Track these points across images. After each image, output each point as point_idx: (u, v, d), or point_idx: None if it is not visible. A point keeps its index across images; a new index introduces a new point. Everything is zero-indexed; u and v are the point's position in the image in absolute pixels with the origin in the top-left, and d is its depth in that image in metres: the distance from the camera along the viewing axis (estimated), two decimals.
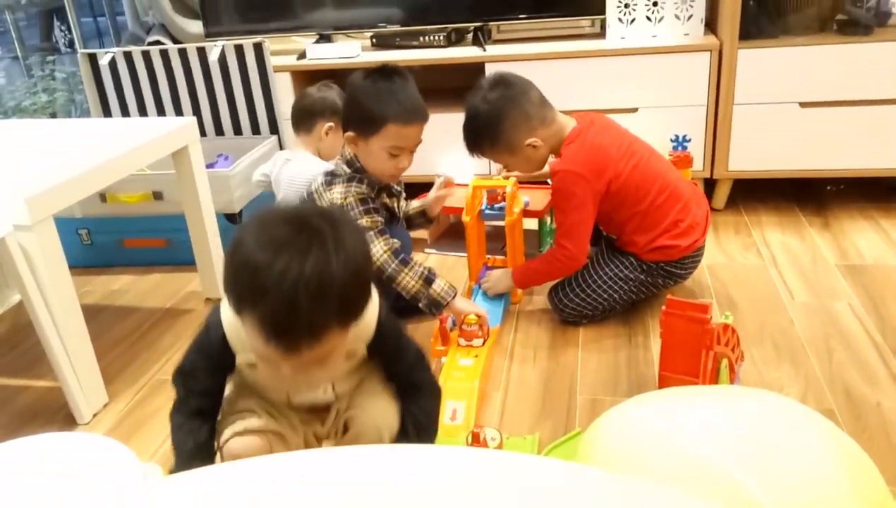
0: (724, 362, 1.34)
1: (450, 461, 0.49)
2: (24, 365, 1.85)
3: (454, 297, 1.66)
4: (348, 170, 1.67)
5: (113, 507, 0.62)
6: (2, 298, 2.15)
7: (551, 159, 1.82)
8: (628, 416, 0.70)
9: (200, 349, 1.11)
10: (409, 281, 1.63)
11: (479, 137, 1.76)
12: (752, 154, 2.29)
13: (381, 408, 1.15)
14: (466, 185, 2.00)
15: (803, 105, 2.20)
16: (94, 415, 1.61)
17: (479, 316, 1.65)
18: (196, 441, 1.11)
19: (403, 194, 1.89)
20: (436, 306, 1.65)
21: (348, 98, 1.66)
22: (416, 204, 1.92)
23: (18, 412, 1.67)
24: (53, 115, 2.79)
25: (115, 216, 2.29)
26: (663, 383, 1.37)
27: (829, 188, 2.51)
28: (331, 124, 2.03)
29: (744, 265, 2.05)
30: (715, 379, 1.32)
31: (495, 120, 1.71)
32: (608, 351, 1.70)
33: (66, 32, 2.93)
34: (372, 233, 1.62)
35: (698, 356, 1.29)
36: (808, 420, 0.68)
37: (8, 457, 0.85)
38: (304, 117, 2.09)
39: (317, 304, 0.86)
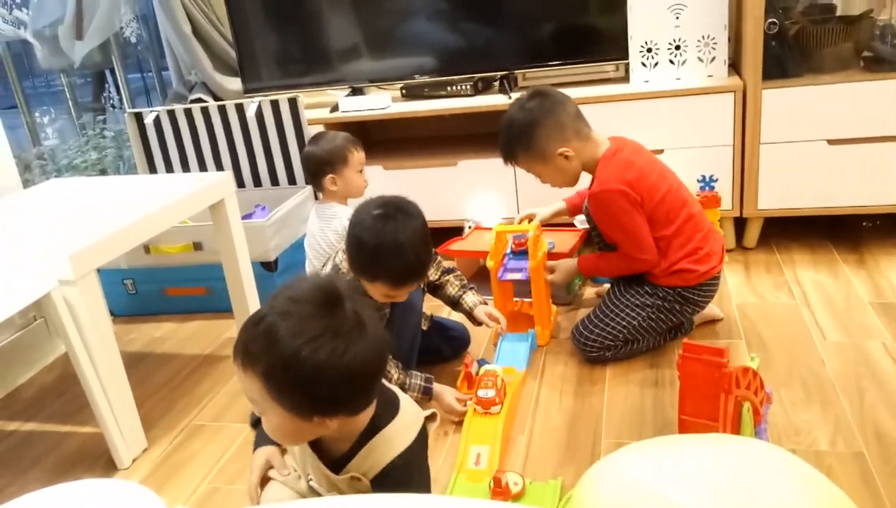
0: (747, 405, 1.34)
1: None
2: (70, 411, 1.94)
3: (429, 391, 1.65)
4: (351, 273, 1.60)
5: None
6: (51, 347, 2.25)
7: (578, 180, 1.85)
8: (617, 465, 0.71)
9: None
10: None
11: (514, 144, 1.80)
12: (782, 192, 2.29)
13: None
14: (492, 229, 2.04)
15: (831, 142, 2.19)
16: (134, 461, 1.68)
17: (496, 376, 1.62)
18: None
19: (453, 274, 1.85)
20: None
21: (351, 233, 1.54)
22: (472, 302, 1.82)
23: (64, 457, 1.75)
24: (103, 172, 2.94)
25: (157, 266, 2.40)
26: (683, 428, 1.37)
27: (864, 224, 2.48)
28: (330, 176, 2.08)
29: (775, 304, 2.03)
30: (736, 423, 1.32)
31: (530, 126, 1.76)
32: (634, 394, 1.70)
33: (116, 92, 3.10)
34: None
35: (717, 400, 1.29)
36: (793, 469, 0.68)
37: (43, 503, 0.91)
38: (310, 180, 2.18)
39: (248, 331, 0.95)
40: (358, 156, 2.10)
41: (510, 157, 1.84)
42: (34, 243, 1.67)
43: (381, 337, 0.99)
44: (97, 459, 1.70)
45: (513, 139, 1.80)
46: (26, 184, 2.32)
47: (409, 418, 1.11)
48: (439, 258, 1.86)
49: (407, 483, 1.08)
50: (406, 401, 1.14)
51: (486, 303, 1.84)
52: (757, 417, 1.39)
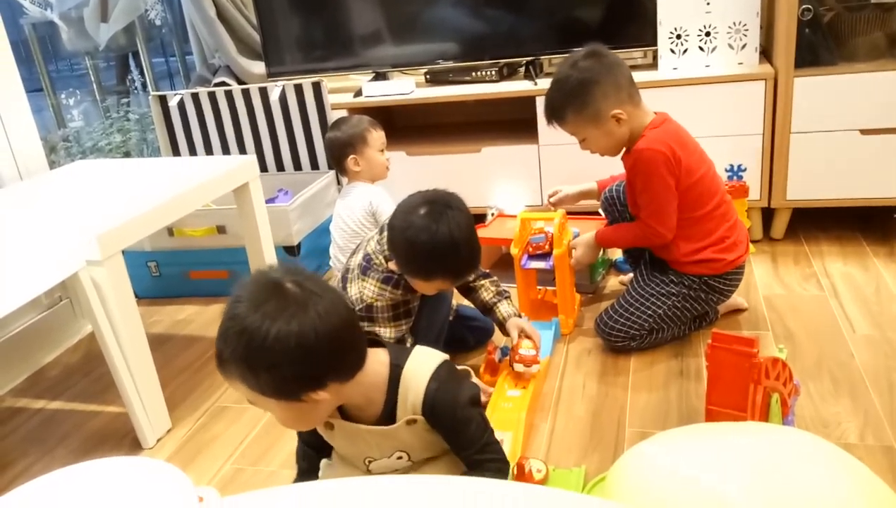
0: (775, 397, 1.32)
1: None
2: (95, 391, 1.96)
3: None
4: (385, 265, 1.59)
5: None
6: (76, 328, 2.28)
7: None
8: (650, 453, 0.70)
9: None
10: None
11: (566, 102, 1.71)
12: (812, 182, 2.25)
13: None
14: (516, 216, 2.02)
15: (864, 132, 2.15)
16: (158, 440, 1.69)
17: (534, 342, 1.66)
18: (301, 470, 1.32)
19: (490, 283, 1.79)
20: None
21: (401, 236, 1.50)
22: (506, 312, 1.74)
23: (89, 436, 1.76)
24: (127, 154, 2.95)
25: (181, 249, 2.41)
26: (710, 417, 1.35)
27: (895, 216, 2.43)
28: (352, 157, 2.10)
29: (802, 296, 2.00)
30: (765, 414, 1.30)
31: (587, 84, 1.67)
32: (659, 384, 1.69)
33: (140, 75, 3.11)
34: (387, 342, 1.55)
35: (746, 390, 1.27)
36: (827, 455, 0.67)
37: (69, 480, 0.91)
38: (335, 165, 2.20)
39: (216, 343, 0.99)
40: (377, 134, 2.12)
41: (558, 117, 1.75)
42: (61, 224, 1.68)
43: (334, 301, 1.00)
44: (122, 438, 1.72)
45: (566, 97, 1.70)
46: (52, 165, 2.33)
47: (425, 351, 1.15)
48: None
49: (454, 396, 1.11)
50: (418, 346, 1.18)
51: (520, 316, 1.75)
52: (785, 409, 1.37)
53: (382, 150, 2.14)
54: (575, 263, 1.92)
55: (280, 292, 0.97)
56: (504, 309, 1.75)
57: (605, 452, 1.48)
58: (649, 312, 1.77)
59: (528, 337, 1.68)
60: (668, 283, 1.79)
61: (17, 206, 1.85)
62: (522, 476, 1.35)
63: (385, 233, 1.59)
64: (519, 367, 1.62)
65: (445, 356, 1.16)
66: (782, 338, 1.80)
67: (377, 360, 1.11)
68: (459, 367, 1.21)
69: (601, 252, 2.19)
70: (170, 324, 2.31)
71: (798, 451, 0.66)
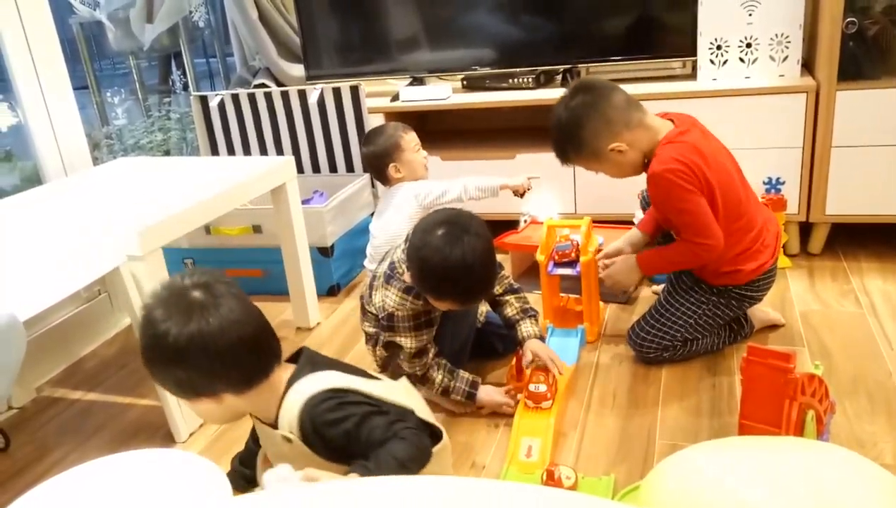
0: (811, 414, 1.30)
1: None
2: (130, 384, 1.99)
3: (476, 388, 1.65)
4: (408, 279, 1.58)
5: None
6: (114, 321, 2.32)
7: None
8: (687, 462, 0.70)
9: None
10: (435, 375, 1.64)
11: (564, 146, 1.73)
12: (852, 197, 2.21)
13: None
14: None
15: None
16: (191, 435, 1.71)
17: (546, 376, 1.60)
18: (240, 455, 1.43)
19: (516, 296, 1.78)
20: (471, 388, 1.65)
21: (416, 255, 1.51)
22: (527, 332, 1.71)
23: (124, 428, 1.80)
24: (167, 153, 3.01)
25: (217, 247, 2.44)
26: (744, 432, 1.34)
27: None
28: (392, 165, 2.13)
29: (840, 312, 1.97)
30: (800, 431, 1.28)
31: (575, 127, 1.67)
32: (690, 397, 1.67)
33: (182, 76, 3.17)
34: (408, 352, 1.62)
35: (781, 406, 1.26)
36: (865, 471, 0.66)
37: (111, 469, 0.93)
38: (376, 177, 2.24)
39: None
40: (409, 137, 2.15)
41: (563, 159, 1.76)
42: (103, 219, 1.72)
43: (230, 317, 1.07)
44: (156, 431, 1.74)
45: (562, 141, 1.72)
46: (95, 162, 2.38)
47: (314, 379, 1.15)
48: (503, 271, 1.77)
49: (334, 419, 1.10)
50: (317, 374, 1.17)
51: (542, 338, 1.71)
52: (820, 426, 1.35)
53: (418, 150, 2.17)
54: (612, 284, 1.85)
55: (184, 300, 1.07)
56: (525, 329, 1.71)
57: (633, 463, 1.47)
58: (681, 322, 1.75)
59: (542, 368, 1.62)
60: (698, 292, 1.77)
61: (62, 201, 1.90)
62: (552, 482, 1.35)
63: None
64: (529, 403, 1.58)
65: (333, 383, 1.14)
66: (818, 355, 1.78)
67: (283, 377, 1.16)
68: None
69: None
70: None
71: (844, 473, 0.65)
